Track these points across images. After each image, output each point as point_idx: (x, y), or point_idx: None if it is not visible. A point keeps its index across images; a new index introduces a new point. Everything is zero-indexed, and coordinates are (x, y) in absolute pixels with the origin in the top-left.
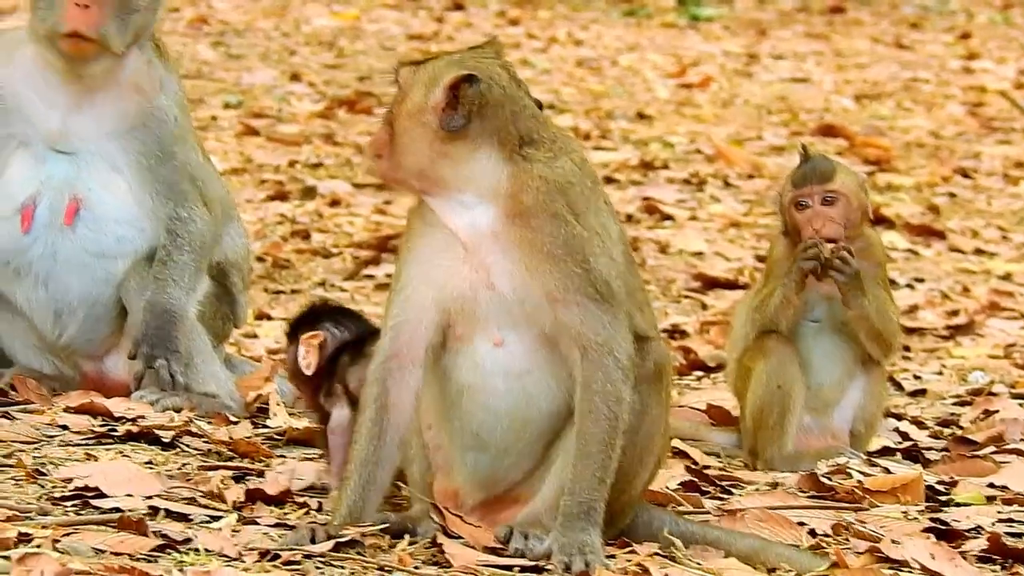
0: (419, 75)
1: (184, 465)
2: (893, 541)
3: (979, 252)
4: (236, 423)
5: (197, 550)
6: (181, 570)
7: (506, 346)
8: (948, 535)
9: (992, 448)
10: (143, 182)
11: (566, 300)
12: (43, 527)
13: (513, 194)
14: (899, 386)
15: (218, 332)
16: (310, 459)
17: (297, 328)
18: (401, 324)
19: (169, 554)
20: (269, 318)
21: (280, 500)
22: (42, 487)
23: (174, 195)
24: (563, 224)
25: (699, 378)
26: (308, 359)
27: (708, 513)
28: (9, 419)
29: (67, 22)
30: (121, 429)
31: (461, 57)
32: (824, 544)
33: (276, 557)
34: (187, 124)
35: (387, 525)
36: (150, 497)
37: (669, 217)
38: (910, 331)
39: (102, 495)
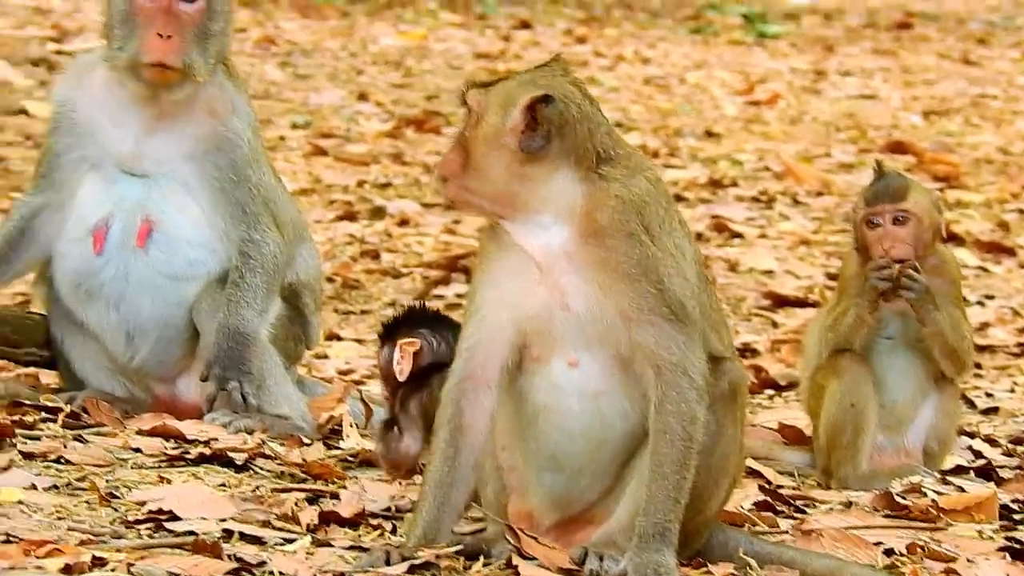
0: (492, 97)
1: (257, 487)
2: (968, 560)
3: None
4: (309, 445)
5: (272, 573)
6: None
7: (581, 366)
8: (1023, 554)
9: None
10: (216, 204)
11: (640, 320)
12: (117, 550)
13: (588, 213)
14: (971, 404)
15: (290, 353)
16: (384, 481)
17: (394, 329)
18: (476, 346)
19: None
20: (339, 338)
21: (354, 522)
22: (115, 510)
23: (247, 217)
24: (638, 244)
25: (771, 397)
26: (402, 365)
27: (783, 533)
28: (82, 442)
29: (150, 52)
30: (194, 452)
31: (533, 77)
32: (899, 564)
33: None
34: (259, 146)
35: (462, 547)
36: (224, 520)
37: (738, 235)
38: (981, 349)
39: (176, 518)
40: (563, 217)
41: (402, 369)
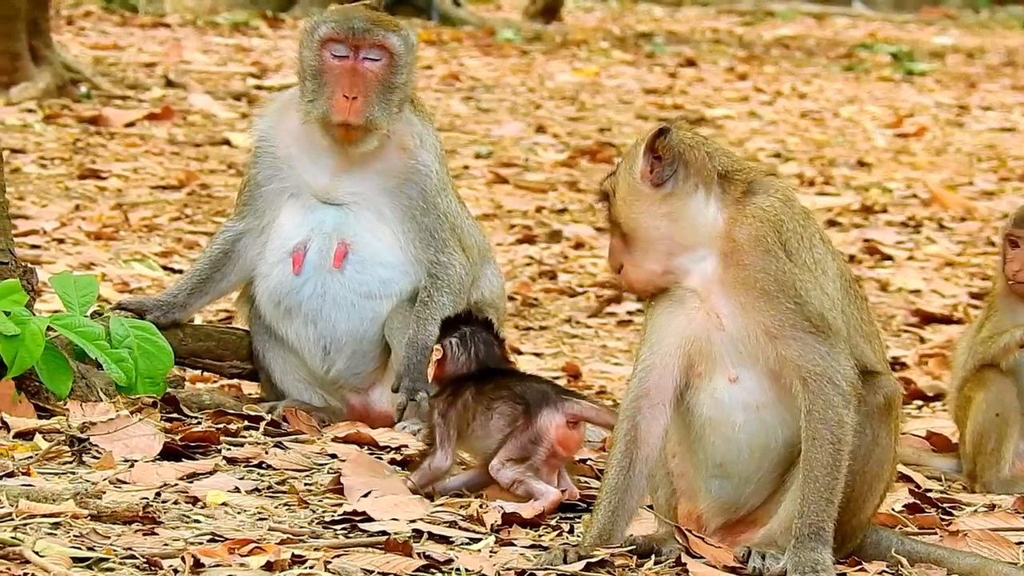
0: (620, 169)
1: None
2: None
3: None
4: None
5: (459, 570)
6: None
7: (741, 382)
8: None
9: None
10: (407, 230)
11: (783, 336)
12: (315, 549)
13: (728, 234)
14: None
15: None
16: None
17: (445, 328)
18: (650, 367)
19: (432, 574)
20: (519, 353)
21: (535, 523)
22: (313, 512)
23: (435, 242)
24: (774, 259)
25: (919, 407)
26: (432, 371)
27: (931, 533)
28: (282, 448)
29: (337, 113)
30: (385, 457)
31: (647, 132)
32: None
33: None
34: (446, 176)
35: (634, 546)
36: (414, 521)
37: (889, 257)
38: None
39: (369, 519)
40: (710, 244)
41: (430, 373)
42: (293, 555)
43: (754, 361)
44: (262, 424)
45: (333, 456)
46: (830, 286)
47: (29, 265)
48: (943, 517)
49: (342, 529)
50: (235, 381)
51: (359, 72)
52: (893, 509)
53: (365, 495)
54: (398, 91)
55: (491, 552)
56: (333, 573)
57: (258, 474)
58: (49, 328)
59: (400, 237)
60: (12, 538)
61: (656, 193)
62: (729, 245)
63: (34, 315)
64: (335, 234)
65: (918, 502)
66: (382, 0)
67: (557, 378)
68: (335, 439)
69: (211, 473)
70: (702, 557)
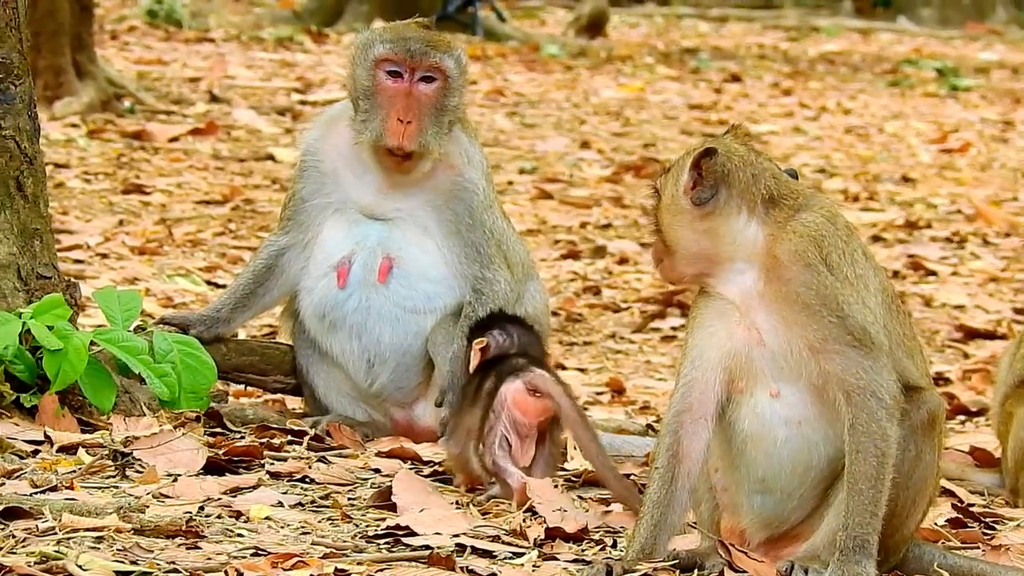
0: (669, 173)
1: (488, 505)
2: None
3: None
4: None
5: None
6: None
7: (782, 397)
8: None
9: None
10: (452, 246)
11: (825, 350)
12: (358, 563)
13: (769, 251)
14: None
15: None
16: (605, 499)
17: (473, 332)
18: (692, 382)
19: None
20: (563, 367)
21: (578, 538)
22: (356, 526)
23: (481, 257)
24: (815, 274)
25: (963, 422)
26: (474, 361)
27: (974, 547)
28: (325, 463)
29: (391, 137)
30: (428, 471)
31: (702, 141)
32: None
33: None
34: (492, 193)
35: (678, 561)
36: (457, 535)
37: (933, 273)
38: None
39: (412, 533)
40: (751, 260)
41: (473, 364)
42: (336, 569)
43: (796, 376)
44: (306, 439)
45: (376, 471)
46: (872, 300)
47: (72, 280)
48: (985, 532)
49: (385, 543)
50: (279, 396)
51: (414, 95)
52: (936, 524)
53: (416, 511)
54: (450, 113)
55: (534, 567)
56: None
57: (301, 488)
58: (92, 343)
59: (445, 252)
60: (56, 552)
61: (696, 211)
62: (770, 261)
63: (77, 330)
64: (380, 248)
65: (961, 516)
66: (434, 18)
67: (601, 393)
68: (379, 454)
69: (254, 487)
70: (745, 571)
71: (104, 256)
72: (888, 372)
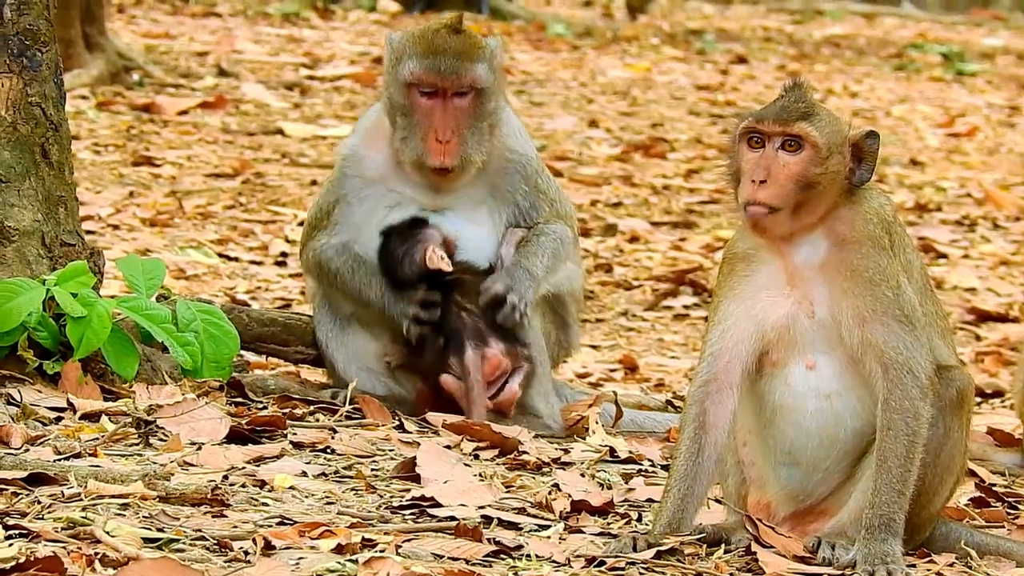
0: (821, 129)
1: (512, 478)
2: None
3: None
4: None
5: (528, 556)
6: (516, 574)
7: (818, 369)
8: None
9: None
10: (510, 216)
11: (873, 320)
12: (385, 533)
13: (849, 224)
14: None
15: (554, 358)
16: (629, 475)
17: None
18: (719, 352)
19: (503, 559)
20: None
21: (603, 511)
22: (380, 496)
23: (537, 217)
24: (882, 253)
25: (978, 403)
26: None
27: (998, 526)
28: (347, 433)
29: (432, 159)
30: (453, 444)
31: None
32: None
33: (601, 564)
34: (538, 160)
35: (704, 534)
36: (483, 507)
37: (943, 256)
38: None
39: (437, 504)
40: (827, 232)
41: (446, 260)
42: (363, 539)
43: (836, 346)
44: (340, 410)
45: (400, 442)
46: (916, 285)
47: (96, 247)
48: (1009, 511)
49: (410, 514)
50: (300, 367)
51: (450, 109)
52: (959, 503)
53: (440, 482)
54: (489, 117)
55: (560, 539)
56: (404, 557)
57: (324, 459)
58: (115, 311)
59: (500, 223)
60: (83, 518)
61: (845, 183)
62: (846, 236)
63: (100, 298)
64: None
65: (984, 496)
66: (462, 15)
67: (614, 370)
68: (400, 427)
69: (278, 457)
70: (772, 546)
71: (115, 227)
72: (926, 352)
